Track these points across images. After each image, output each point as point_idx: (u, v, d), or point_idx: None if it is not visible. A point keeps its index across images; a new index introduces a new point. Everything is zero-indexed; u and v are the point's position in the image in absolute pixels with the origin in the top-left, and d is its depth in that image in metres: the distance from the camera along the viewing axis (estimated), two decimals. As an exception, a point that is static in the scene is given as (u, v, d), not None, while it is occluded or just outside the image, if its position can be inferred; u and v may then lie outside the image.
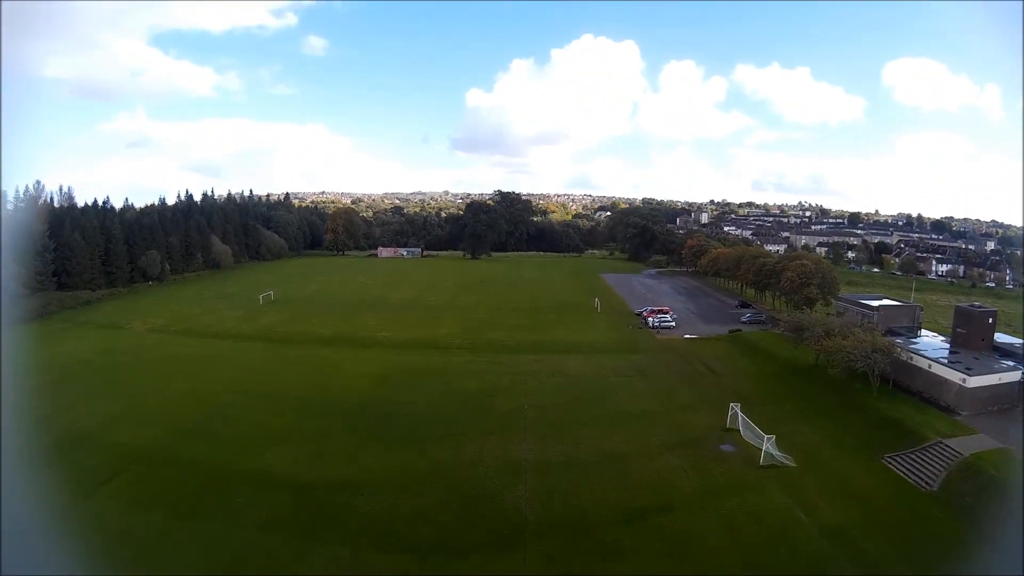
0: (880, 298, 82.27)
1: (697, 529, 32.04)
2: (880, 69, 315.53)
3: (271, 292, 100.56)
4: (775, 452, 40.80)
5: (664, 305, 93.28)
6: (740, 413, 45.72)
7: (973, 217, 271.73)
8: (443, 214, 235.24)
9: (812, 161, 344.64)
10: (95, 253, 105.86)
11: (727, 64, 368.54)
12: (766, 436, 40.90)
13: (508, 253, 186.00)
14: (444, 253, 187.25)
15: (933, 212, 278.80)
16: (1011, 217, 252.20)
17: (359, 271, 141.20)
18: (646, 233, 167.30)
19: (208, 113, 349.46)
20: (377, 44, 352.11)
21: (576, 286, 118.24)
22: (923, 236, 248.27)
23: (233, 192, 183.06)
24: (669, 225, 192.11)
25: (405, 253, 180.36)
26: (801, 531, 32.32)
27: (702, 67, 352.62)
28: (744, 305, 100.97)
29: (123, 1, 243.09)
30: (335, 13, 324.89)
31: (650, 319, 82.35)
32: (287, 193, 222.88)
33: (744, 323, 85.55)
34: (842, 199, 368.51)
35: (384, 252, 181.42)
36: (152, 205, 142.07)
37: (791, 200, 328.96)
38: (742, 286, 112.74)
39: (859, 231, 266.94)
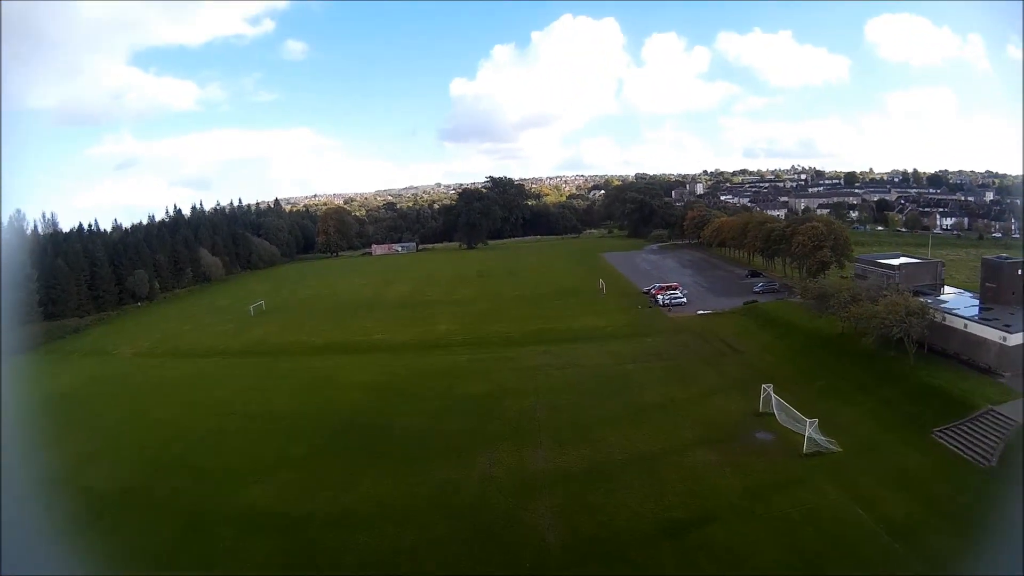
0: (897, 256, 77.77)
1: (747, 540, 27.75)
2: (862, 27, 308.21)
3: (262, 302, 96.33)
4: (819, 437, 36.59)
5: (672, 281, 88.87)
6: (774, 395, 41.49)
7: (968, 169, 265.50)
8: (436, 206, 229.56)
9: (801, 125, 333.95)
10: (80, 278, 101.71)
11: (709, 33, 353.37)
12: (808, 420, 36.65)
13: (505, 240, 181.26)
14: (440, 245, 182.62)
15: (927, 167, 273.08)
16: (1005, 166, 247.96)
17: (353, 271, 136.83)
18: (644, 208, 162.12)
19: (194, 127, 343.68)
20: (356, 43, 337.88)
21: (578, 269, 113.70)
22: (921, 191, 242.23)
23: (222, 203, 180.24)
24: (666, 199, 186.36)
25: (400, 249, 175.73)
26: (864, 531, 28.11)
27: (684, 38, 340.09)
28: (754, 274, 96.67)
29: (100, 22, 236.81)
30: (311, 15, 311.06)
31: (659, 297, 77.91)
32: (276, 199, 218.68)
33: (757, 293, 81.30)
34: (835, 160, 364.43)
35: (378, 249, 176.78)
36: (138, 224, 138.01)
37: (783, 165, 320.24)
38: (749, 255, 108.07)
39: (858, 190, 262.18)
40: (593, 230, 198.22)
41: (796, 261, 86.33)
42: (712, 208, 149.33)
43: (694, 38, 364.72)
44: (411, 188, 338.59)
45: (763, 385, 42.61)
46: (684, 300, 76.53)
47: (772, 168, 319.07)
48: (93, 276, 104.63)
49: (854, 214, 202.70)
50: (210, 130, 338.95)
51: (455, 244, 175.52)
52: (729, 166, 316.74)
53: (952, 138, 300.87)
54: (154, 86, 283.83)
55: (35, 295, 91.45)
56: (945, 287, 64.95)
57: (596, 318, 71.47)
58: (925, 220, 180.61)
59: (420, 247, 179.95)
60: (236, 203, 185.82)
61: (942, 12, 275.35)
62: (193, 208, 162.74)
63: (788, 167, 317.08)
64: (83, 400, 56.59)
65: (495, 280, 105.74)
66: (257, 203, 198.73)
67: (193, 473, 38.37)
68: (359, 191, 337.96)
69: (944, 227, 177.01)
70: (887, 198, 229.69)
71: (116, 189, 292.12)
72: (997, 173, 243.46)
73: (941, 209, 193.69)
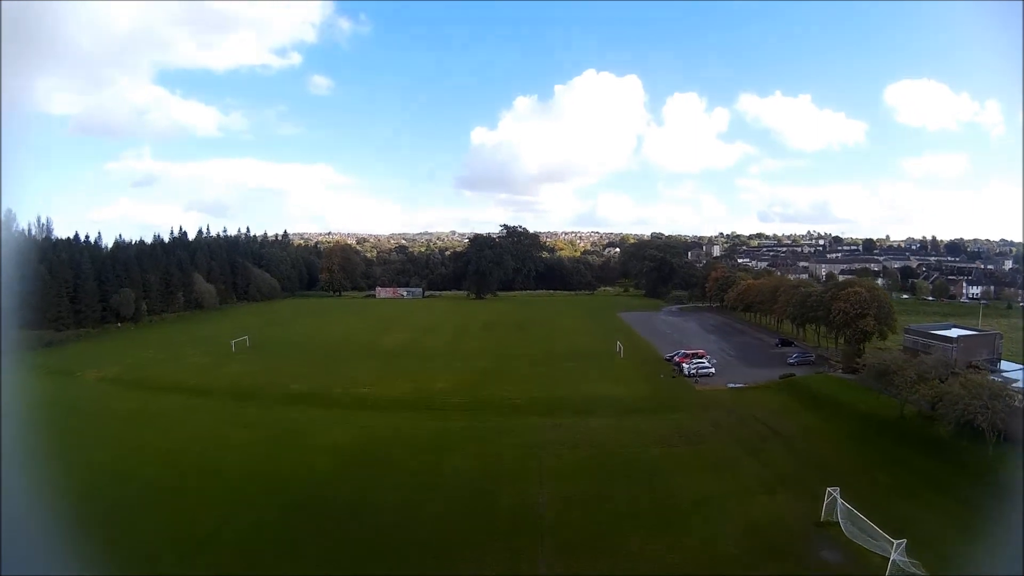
0: (949, 327, 70.08)
1: None
2: (881, 92, 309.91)
3: (247, 336, 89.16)
4: (904, 560, 27.75)
5: (696, 347, 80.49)
6: (841, 501, 32.67)
7: (982, 237, 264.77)
8: (448, 252, 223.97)
9: (817, 189, 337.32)
10: (62, 290, 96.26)
11: (730, 95, 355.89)
12: (895, 542, 27.83)
13: (515, 292, 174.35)
14: (447, 293, 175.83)
15: (941, 234, 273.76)
16: (1018, 234, 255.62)
17: (353, 313, 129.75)
18: (664, 266, 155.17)
19: (214, 153, 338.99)
20: (380, 83, 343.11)
21: (592, 327, 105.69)
22: (940, 259, 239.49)
23: (237, 231, 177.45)
24: (685, 259, 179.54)
25: (405, 293, 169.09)
26: None
27: (705, 98, 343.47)
28: (785, 343, 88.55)
29: (130, 38, 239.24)
30: (339, 53, 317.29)
31: (684, 365, 69.35)
32: (285, 231, 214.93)
33: (793, 365, 72.93)
34: (850, 226, 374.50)
35: (383, 292, 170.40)
36: (129, 241, 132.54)
37: (798, 230, 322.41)
38: (778, 321, 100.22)
39: (878, 257, 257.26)
40: (608, 287, 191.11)
41: (834, 330, 78.52)
42: (735, 270, 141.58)
43: (715, 99, 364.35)
44: (425, 234, 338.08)
45: (828, 489, 33.73)
46: (712, 370, 67.94)
47: (787, 232, 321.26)
48: (76, 289, 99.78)
49: (880, 281, 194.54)
50: (230, 158, 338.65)
51: (463, 292, 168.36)
52: (744, 228, 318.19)
53: (966, 205, 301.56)
54: (178, 107, 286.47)
55: (13, 300, 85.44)
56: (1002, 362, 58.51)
57: (613, 385, 62.80)
58: (952, 288, 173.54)
59: (427, 293, 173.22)
60: (244, 231, 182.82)
61: (962, 78, 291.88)
62: (200, 231, 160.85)
63: (803, 232, 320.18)
64: (18, 426, 48.33)
65: (502, 334, 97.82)
66: (265, 234, 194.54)
67: (105, 548, 29.68)
68: (373, 232, 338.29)
69: (971, 296, 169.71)
70: (908, 265, 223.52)
71: (131, 206, 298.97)
72: (1012, 241, 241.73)
73: (966, 277, 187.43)
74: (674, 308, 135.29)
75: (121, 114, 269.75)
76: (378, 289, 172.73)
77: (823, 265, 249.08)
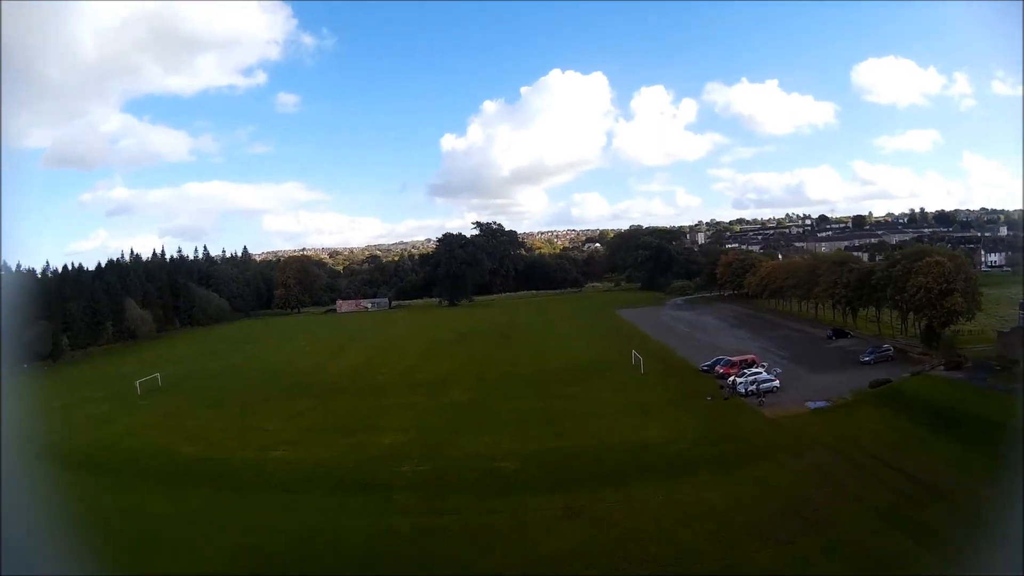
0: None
1: None
2: (848, 73, 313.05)
3: (158, 374, 68.32)
4: None
5: (734, 348, 61.74)
6: None
7: (962, 207, 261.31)
8: (417, 257, 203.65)
9: (791, 174, 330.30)
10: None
11: (696, 85, 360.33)
12: None
13: (494, 296, 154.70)
14: (418, 302, 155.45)
15: (919, 207, 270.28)
16: (999, 202, 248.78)
17: (306, 332, 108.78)
18: (661, 255, 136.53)
19: (186, 177, 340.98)
20: (347, 97, 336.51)
21: (592, 331, 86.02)
22: (935, 230, 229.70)
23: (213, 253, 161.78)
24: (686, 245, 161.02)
25: (370, 306, 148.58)
26: None
27: (672, 91, 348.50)
28: (840, 333, 71.29)
29: (96, 66, 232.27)
30: (304, 69, 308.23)
31: (737, 380, 49.93)
32: (244, 247, 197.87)
33: (870, 363, 55.12)
34: (826, 207, 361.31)
35: (345, 306, 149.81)
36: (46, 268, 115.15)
37: (774, 214, 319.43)
38: (815, 306, 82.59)
39: (879, 232, 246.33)
40: (596, 283, 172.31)
41: (908, 312, 60.93)
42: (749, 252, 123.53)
43: (682, 90, 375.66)
44: (401, 244, 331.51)
45: None
46: (777, 383, 48.66)
47: (764, 217, 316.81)
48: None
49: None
50: (203, 181, 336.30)
51: (435, 300, 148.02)
52: (720, 217, 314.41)
53: (942, 177, 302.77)
54: (148, 133, 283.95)
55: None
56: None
57: (644, 420, 42.77)
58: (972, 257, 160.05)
59: (394, 304, 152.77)
60: (203, 251, 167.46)
61: (928, 53, 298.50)
62: (131, 254, 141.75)
63: (780, 216, 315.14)
64: None
65: (481, 348, 77.73)
66: (223, 252, 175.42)
67: None
68: (349, 245, 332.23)
69: (990, 263, 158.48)
70: (916, 238, 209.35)
71: (109, 237, 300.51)
72: (992, 209, 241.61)
73: (974, 245, 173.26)
74: (679, 301, 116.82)
75: (93, 144, 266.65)
76: (339, 303, 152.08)
77: (822, 244, 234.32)
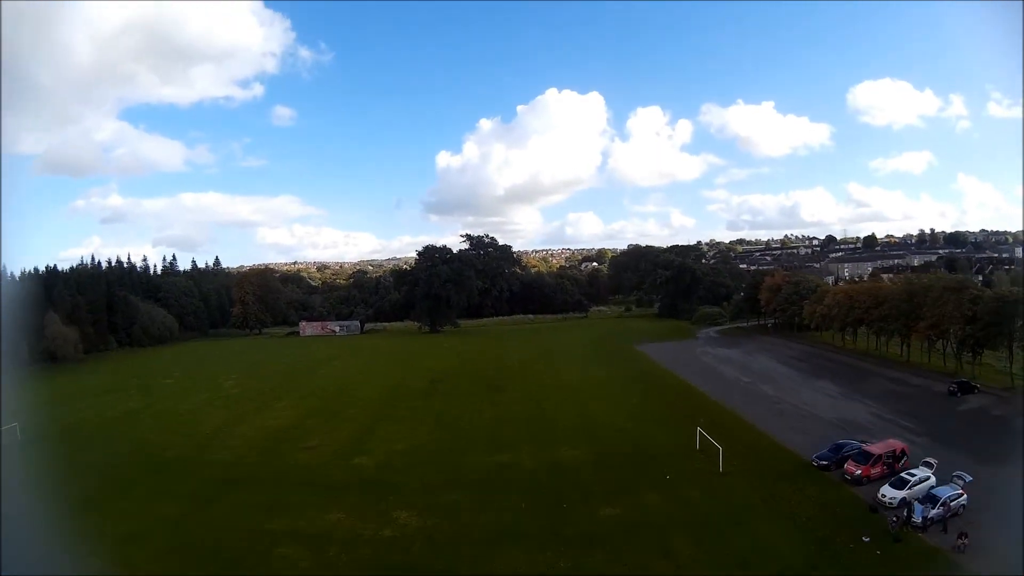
0: None
1: None
2: (844, 95, 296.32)
3: (16, 424, 48.45)
4: None
5: (828, 408, 39.98)
6: None
7: (956, 229, 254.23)
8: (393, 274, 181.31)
9: (785, 195, 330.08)
10: None
11: (692, 106, 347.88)
12: None
13: (484, 320, 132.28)
14: (397, 325, 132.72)
15: (912, 230, 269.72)
16: (994, 224, 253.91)
17: (245, 365, 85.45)
18: (684, 275, 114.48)
19: (181, 188, 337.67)
20: (343, 112, 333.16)
21: (613, 381, 62.16)
22: (952, 251, 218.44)
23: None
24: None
25: (338, 329, 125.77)
26: None
27: (668, 111, 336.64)
28: (965, 387, 50.34)
29: (93, 73, 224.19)
30: (301, 82, 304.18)
31: (892, 494, 28.18)
32: (216, 258, 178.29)
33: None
34: (819, 229, 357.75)
35: (308, 328, 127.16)
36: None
37: (768, 236, 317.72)
38: (923, 345, 62.35)
39: (896, 254, 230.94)
40: (603, 307, 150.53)
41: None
42: (804, 274, 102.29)
43: (678, 111, 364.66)
44: (394, 260, 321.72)
45: None
46: (964, 497, 27.03)
47: (758, 239, 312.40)
48: None
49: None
50: (197, 192, 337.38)
51: (415, 324, 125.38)
52: (714, 238, 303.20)
53: (934, 199, 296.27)
54: (143, 142, 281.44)
55: None
56: None
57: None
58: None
59: (366, 327, 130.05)
60: (171, 261, 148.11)
61: (923, 75, 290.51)
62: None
63: (777, 237, 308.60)
64: None
65: (458, 406, 54.52)
66: (193, 263, 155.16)
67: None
68: (343, 260, 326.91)
69: None
70: (948, 259, 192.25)
71: (102, 245, 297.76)
72: (993, 231, 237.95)
73: (1007, 267, 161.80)
74: (712, 332, 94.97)
75: (87, 151, 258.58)
76: (303, 325, 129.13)
77: (845, 265, 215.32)
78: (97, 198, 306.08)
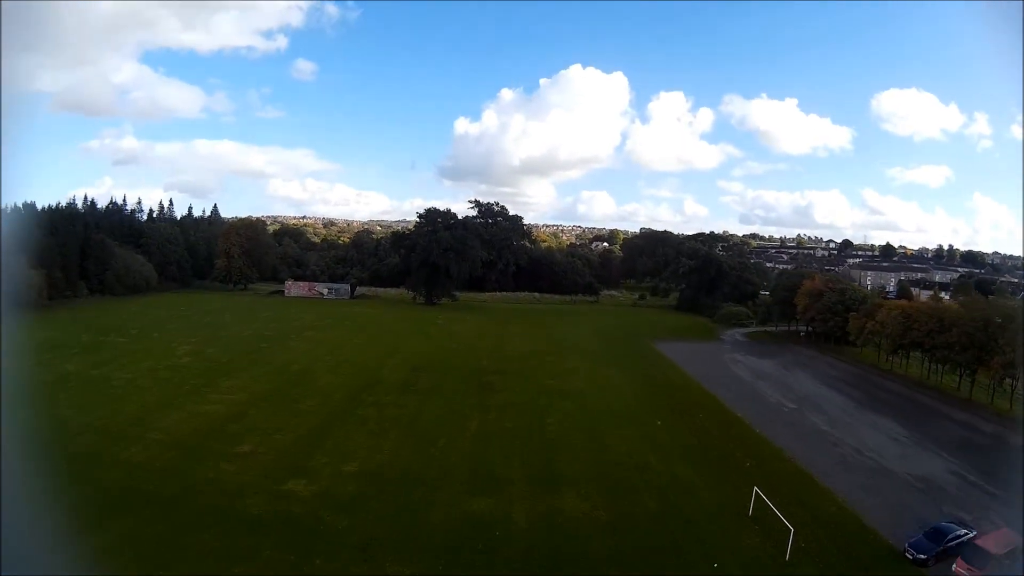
0: None
1: None
2: (868, 101, 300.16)
3: None
4: None
5: (893, 456, 30.46)
6: None
7: (973, 248, 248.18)
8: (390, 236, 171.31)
9: (800, 194, 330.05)
10: None
11: (715, 95, 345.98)
12: None
13: (485, 295, 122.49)
14: (392, 291, 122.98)
15: (921, 243, 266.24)
16: (1006, 247, 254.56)
17: (209, 327, 76.21)
18: (709, 267, 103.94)
19: (196, 134, 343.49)
20: (365, 71, 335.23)
21: (632, 396, 51.51)
22: (972, 270, 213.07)
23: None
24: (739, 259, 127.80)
25: (325, 292, 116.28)
26: None
27: (691, 98, 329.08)
28: None
29: (114, 16, 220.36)
30: (325, 38, 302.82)
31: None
32: (215, 206, 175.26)
33: None
34: (830, 232, 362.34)
35: (294, 288, 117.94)
36: None
37: (778, 233, 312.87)
38: (968, 377, 52.47)
39: (917, 266, 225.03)
40: (614, 292, 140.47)
41: None
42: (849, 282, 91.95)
43: (701, 99, 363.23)
44: (404, 221, 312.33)
45: None
46: None
47: (769, 235, 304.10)
48: None
49: (961, 297, 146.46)
50: (212, 139, 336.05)
51: (409, 293, 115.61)
52: (725, 230, 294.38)
53: (948, 215, 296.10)
54: (161, 87, 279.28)
55: None
56: None
57: None
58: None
59: (357, 292, 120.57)
60: (168, 205, 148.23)
61: (951, 89, 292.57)
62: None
63: (783, 234, 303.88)
64: None
65: (437, 409, 44.84)
66: (190, 209, 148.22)
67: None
68: (353, 218, 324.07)
69: None
70: (983, 279, 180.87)
71: (114, 186, 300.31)
72: (1005, 254, 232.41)
73: None
74: (739, 335, 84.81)
75: (103, 92, 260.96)
76: (288, 284, 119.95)
77: (868, 273, 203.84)
78: (111, 139, 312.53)
